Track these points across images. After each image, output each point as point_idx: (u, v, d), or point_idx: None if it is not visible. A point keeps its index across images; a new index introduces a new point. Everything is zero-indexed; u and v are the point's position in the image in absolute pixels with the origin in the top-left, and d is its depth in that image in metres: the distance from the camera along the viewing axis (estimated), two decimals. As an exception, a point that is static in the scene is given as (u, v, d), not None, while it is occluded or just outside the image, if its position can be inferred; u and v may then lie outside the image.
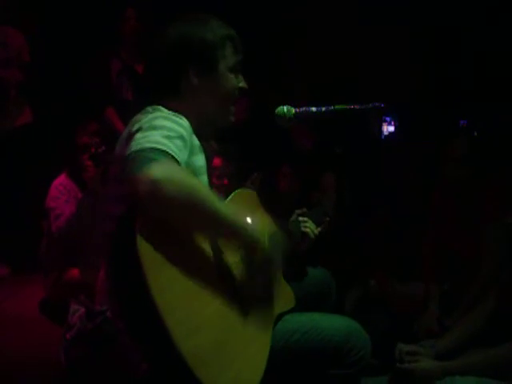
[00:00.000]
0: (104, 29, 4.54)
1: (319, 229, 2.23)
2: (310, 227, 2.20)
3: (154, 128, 1.59)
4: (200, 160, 1.80)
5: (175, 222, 1.49)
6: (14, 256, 4.47)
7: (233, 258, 1.72)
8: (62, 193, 3.55)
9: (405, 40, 4.82)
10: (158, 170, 1.41)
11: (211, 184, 1.95)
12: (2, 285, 4.24)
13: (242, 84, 1.92)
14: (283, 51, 5.29)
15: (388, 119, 4.61)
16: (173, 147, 1.54)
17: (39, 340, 3.27)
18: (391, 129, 4.65)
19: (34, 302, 3.71)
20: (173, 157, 1.52)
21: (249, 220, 1.67)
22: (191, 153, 1.71)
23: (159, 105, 1.77)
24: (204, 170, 1.83)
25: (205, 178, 1.84)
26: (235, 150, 3.90)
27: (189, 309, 1.46)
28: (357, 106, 2.08)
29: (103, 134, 3.58)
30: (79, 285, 3.18)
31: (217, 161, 3.63)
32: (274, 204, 2.21)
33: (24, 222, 4.39)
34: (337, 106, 2.07)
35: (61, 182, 3.59)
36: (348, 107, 2.08)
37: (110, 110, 4.33)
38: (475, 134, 3.06)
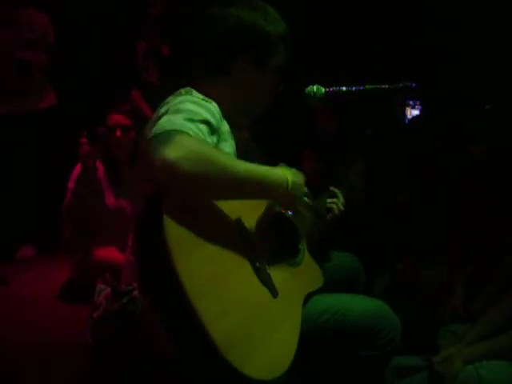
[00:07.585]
0: (129, 10, 4.53)
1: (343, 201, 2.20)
2: (336, 202, 2.18)
3: (178, 111, 1.58)
4: (228, 146, 1.78)
5: (200, 196, 1.49)
6: (40, 237, 4.52)
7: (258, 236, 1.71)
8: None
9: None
10: (173, 151, 1.40)
11: None
12: (27, 266, 4.29)
13: (281, 87, 1.92)
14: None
15: (412, 102, 4.52)
16: (194, 129, 1.53)
17: (65, 320, 3.30)
18: (415, 112, 4.56)
19: (59, 283, 3.76)
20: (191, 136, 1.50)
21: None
22: (219, 139, 1.70)
23: (193, 88, 1.75)
24: (232, 156, 1.81)
25: None
26: (260, 130, 3.87)
27: (218, 291, 1.44)
28: (387, 86, 2.07)
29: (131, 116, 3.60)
30: (104, 265, 3.20)
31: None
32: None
33: (49, 204, 4.41)
34: (367, 86, 2.06)
35: None
36: (378, 87, 2.06)
37: (135, 91, 4.35)
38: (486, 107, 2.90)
